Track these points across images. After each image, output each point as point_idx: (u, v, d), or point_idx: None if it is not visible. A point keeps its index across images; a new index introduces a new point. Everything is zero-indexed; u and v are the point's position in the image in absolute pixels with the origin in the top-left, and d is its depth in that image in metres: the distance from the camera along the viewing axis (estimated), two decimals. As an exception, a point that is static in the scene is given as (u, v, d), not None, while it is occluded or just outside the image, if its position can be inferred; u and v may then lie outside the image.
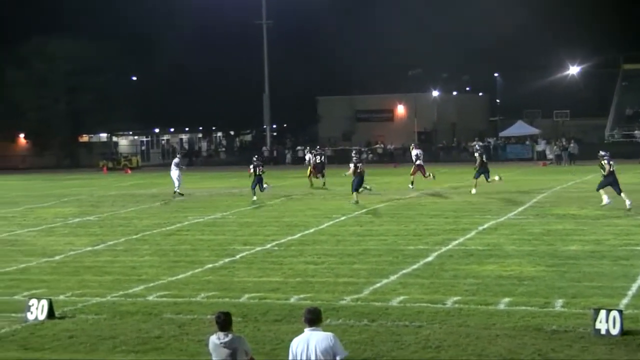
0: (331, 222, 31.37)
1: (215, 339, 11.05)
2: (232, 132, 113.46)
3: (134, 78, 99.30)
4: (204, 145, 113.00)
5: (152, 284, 20.78)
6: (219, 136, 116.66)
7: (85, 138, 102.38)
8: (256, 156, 43.43)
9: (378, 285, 19.91)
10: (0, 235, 30.78)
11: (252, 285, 20.38)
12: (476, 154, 41.22)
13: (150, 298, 19.30)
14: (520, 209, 33.79)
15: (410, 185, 44.13)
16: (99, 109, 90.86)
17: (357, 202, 37.25)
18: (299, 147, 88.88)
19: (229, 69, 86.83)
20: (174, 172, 44.80)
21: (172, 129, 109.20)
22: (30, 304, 17.62)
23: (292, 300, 18.64)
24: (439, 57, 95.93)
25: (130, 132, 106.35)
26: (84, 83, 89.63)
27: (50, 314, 17.42)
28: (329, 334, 10.63)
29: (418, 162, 44.33)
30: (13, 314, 17.96)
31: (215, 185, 51.67)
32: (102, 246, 27.28)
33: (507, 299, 18.00)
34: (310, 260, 23.63)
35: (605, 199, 32.58)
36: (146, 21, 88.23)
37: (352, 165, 38.56)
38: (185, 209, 37.87)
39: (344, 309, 17.65)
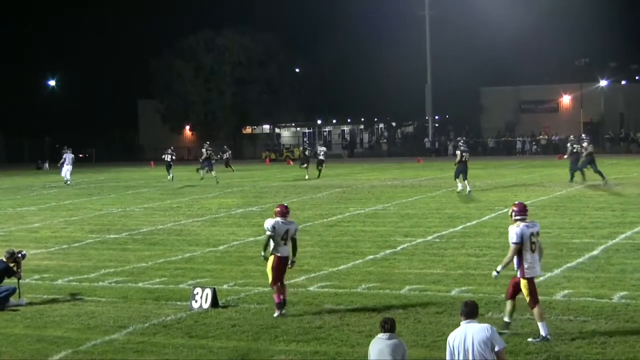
0: (494, 214, 30.95)
1: (378, 341, 11.10)
2: (393, 124, 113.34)
3: (298, 70, 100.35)
4: (365, 136, 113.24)
5: (313, 275, 20.91)
6: (381, 127, 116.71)
7: (248, 130, 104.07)
8: (171, 148, 55.60)
9: (542, 278, 19.45)
10: (167, 224, 31.55)
11: (413, 277, 20.28)
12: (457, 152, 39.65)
13: (312, 288, 19.41)
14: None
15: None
16: (264, 101, 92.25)
17: (202, 179, 50.29)
18: (458, 138, 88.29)
19: (392, 60, 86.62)
20: (67, 167, 52.27)
21: (334, 121, 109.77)
22: (195, 292, 17.96)
23: (453, 292, 18.44)
24: (606, 46, 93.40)
25: (293, 124, 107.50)
26: (250, 75, 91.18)
27: (214, 302, 17.72)
28: (486, 325, 10.53)
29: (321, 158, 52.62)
30: (179, 302, 18.35)
31: (376, 177, 51.67)
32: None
33: (678, 295, 17.37)
34: (472, 252, 23.37)
35: None
36: (309, 14, 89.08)
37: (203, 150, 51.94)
38: (347, 200, 38.00)
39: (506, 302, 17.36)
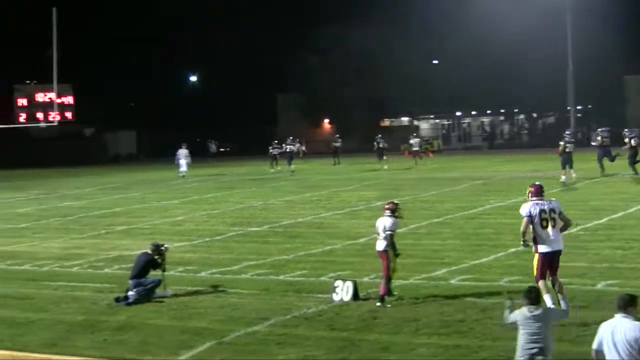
0: (640, 206, 30.14)
1: (526, 311, 10.97)
2: (534, 114, 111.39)
3: (436, 62, 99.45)
4: (505, 128, 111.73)
5: (454, 267, 20.74)
6: (521, 118, 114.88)
7: (386, 122, 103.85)
8: (291, 138, 59.50)
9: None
10: (307, 218, 31.75)
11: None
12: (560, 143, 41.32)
13: (453, 281, 19.27)
14: None
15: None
16: (401, 93, 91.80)
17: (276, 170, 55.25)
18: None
19: (531, 48, 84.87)
20: (183, 161, 55.33)
21: (474, 112, 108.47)
22: (335, 285, 18.02)
23: (598, 286, 18.02)
24: None
25: (432, 116, 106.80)
26: (386, 67, 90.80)
27: (355, 295, 17.73)
28: (639, 324, 10.15)
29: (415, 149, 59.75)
30: (319, 295, 18.43)
31: (517, 168, 50.92)
32: (404, 229, 27.41)
33: None
34: (618, 245, 22.78)
35: None
36: (443, 3, 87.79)
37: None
38: (487, 192, 37.57)
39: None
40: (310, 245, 25.37)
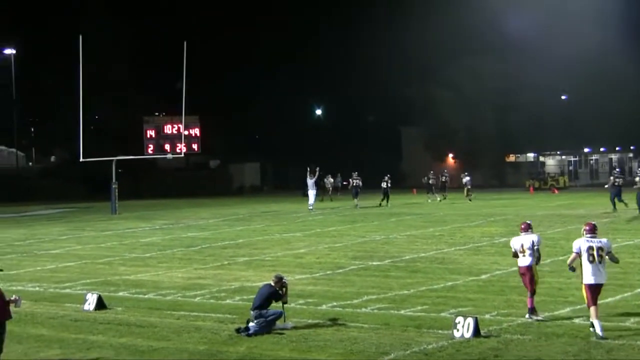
0: None
1: None
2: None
3: (564, 97, 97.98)
4: (634, 165, 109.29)
5: (578, 307, 20.24)
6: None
7: (512, 157, 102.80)
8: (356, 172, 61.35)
9: None
10: (429, 252, 31.54)
11: (688, 311, 19.31)
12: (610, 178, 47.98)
13: (577, 321, 18.85)
14: None
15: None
16: (529, 128, 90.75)
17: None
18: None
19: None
20: (311, 191, 55.64)
21: (603, 149, 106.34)
22: (456, 321, 17.82)
23: None
24: None
25: (558, 152, 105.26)
26: (514, 102, 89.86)
27: (476, 332, 17.51)
28: None
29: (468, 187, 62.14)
30: (440, 331, 18.24)
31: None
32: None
33: None
34: None
35: None
36: (569, 40, 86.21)
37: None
38: (615, 230, 36.76)
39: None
40: (432, 280, 25.18)
